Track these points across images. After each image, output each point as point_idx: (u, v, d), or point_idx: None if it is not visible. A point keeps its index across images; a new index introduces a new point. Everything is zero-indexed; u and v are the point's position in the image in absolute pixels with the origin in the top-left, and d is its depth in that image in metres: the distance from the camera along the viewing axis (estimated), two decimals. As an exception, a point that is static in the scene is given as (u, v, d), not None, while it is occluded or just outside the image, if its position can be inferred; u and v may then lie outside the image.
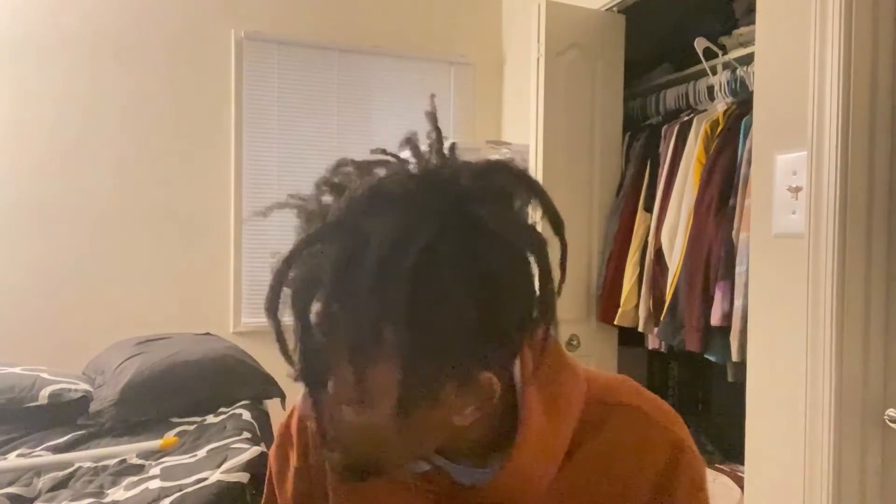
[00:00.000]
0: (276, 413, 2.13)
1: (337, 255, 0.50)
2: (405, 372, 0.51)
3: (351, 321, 0.50)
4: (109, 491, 1.44)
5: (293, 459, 0.75)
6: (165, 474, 1.47)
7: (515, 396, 0.63)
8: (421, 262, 0.48)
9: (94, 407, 1.91)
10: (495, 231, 0.52)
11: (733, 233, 1.68)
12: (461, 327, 0.51)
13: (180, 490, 1.36)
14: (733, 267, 1.66)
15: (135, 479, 1.49)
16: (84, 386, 1.98)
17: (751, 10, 1.67)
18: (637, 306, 2.05)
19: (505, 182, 0.55)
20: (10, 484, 1.47)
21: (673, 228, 1.92)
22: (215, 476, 1.43)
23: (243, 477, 1.45)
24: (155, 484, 1.42)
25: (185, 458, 1.59)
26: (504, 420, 0.62)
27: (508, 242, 0.53)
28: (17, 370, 1.98)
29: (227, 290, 2.72)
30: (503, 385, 0.58)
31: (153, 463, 1.60)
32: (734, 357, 1.63)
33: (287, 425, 0.77)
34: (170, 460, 1.59)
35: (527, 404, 0.62)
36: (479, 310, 0.51)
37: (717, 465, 1.98)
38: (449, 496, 0.65)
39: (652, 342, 2.07)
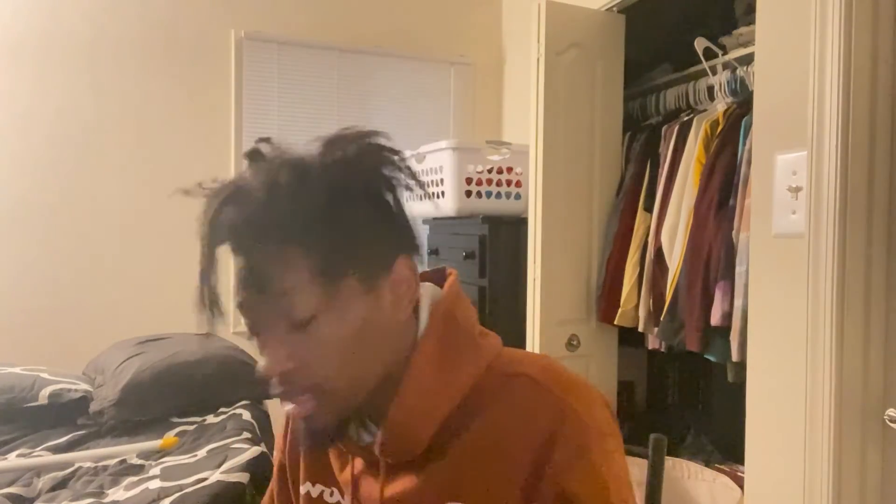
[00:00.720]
0: (276, 413, 2.12)
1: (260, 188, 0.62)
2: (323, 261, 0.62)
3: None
4: (109, 491, 1.44)
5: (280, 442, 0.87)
6: (165, 474, 1.47)
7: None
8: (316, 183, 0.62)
9: (94, 407, 1.91)
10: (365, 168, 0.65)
11: (733, 233, 1.68)
12: (356, 225, 0.63)
13: (180, 490, 1.36)
14: (733, 267, 1.66)
15: (135, 479, 1.49)
16: (84, 386, 1.98)
17: (751, 10, 1.68)
18: (637, 306, 2.05)
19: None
20: (10, 484, 1.47)
21: (673, 228, 1.92)
22: (215, 476, 1.43)
23: (243, 477, 1.45)
24: (155, 484, 1.42)
25: (185, 458, 1.59)
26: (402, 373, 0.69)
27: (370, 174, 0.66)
28: (17, 370, 1.98)
29: (226, 290, 2.72)
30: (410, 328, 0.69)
31: (153, 463, 1.60)
32: (734, 357, 1.63)
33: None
34: (170, 460, 1.60)
35: (416, 360, 0.68)
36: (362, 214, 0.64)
37: (717, 465, 1.98)
38: (375, 463, 0.72)
39: (652, 342, 2.07)
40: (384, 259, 0.67)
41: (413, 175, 0.67)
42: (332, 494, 0.78)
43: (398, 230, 0.68)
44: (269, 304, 0.62)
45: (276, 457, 0.89)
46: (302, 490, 0.81)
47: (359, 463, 0.75)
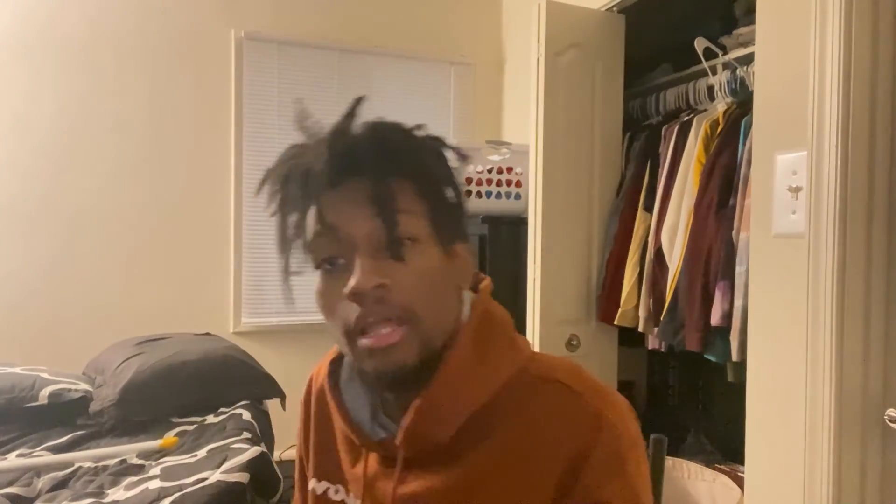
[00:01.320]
0: (276, 413, 2.13)
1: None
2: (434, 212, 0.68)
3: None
4: (109, 491, 1.44)
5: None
6: (165, 474, 1.47)
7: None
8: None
9: (94, 407, 1.91)
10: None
11: (733, 233, 1.68)
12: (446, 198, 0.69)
13: (180, 490, 1.36)
14: (733, 267, 1.66)
15: (135, 479, 1.49)
16: (84, 386, 1.98)
17: (751, 10, 1.67)
18: (637, 306, 2.05)
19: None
20: (10, 484, 1.47)
21: (673, 228, 1.92)
22: (215, 476, 1.43)
23: (243, 477, 1.45)
24: (155, 484, 1.42)
25: (185, 458, 1.59)
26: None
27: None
28: (17, 370, 1.98)
29: (227, 290, 2.72)
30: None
31: (153, 463, 1.60)
32: (734, 357, 1.63)
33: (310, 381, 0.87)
34: (170, 460, 1.60)
35: (454, 348, 0.69)
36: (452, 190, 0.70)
37: (717, 465, 1.98)
38: (391, 455, 0.72)
39: (652, 342, 2.07)
40: (461, 229, 0.72)
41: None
42: (336, 492, 0.78)
43: (460, 211, 0.73)
44: (374, 223, 0.64)
45: (297, 450, 0.89)
46: (309, 486, 0.81)
47: (373, 460, 0.74)
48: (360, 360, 0.67)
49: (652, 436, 1.19)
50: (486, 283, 0.77)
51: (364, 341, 0.65)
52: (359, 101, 0.70)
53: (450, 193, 0.70)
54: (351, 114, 0.70)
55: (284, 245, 0.68)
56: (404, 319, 0.65)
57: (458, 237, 0.71)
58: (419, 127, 0.70)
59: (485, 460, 0.67)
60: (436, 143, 0.71)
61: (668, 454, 2.00)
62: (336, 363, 0.79)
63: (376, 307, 0.64)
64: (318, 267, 0.68)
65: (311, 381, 0.86)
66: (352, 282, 0.63)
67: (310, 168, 0.66)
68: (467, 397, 0.68)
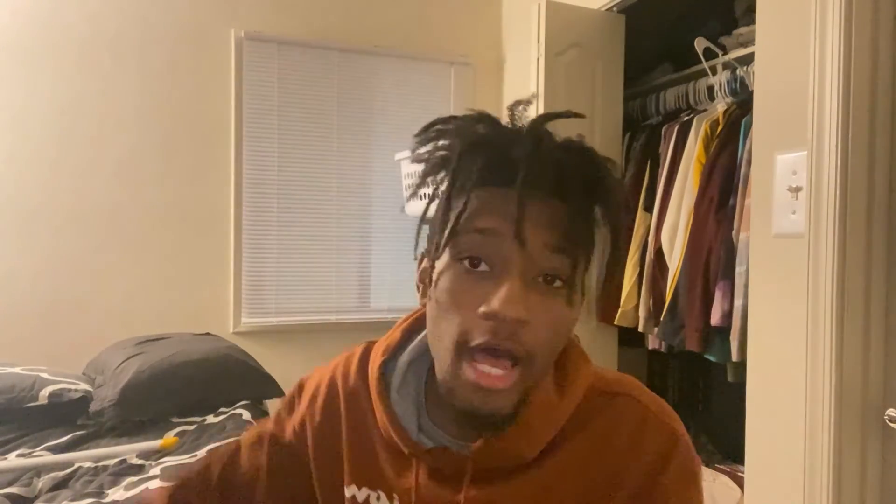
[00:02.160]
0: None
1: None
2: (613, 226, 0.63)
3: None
4: (109, 491, 1.44)
5: (291, 420, 0.81)
6: (166, 475, 1.47)
7: None
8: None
9: (94, 407, 1.91)
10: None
11: (733, 233, 1.68)
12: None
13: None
14: (733, 267, 1.66)
15: (135, 479, 1.49)
16: (84, 386, 1.98)
17: (751, 10, 1.67)
18: (637, 306, 2.05)
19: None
20: (10, 484, 1.47)
21: (673, 228, 1.92)
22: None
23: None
24: (155, 484, 1.42)
25: (186, 459, 1.59)
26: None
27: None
28: (17, 370, 1.98)
29: (227, 290, 2.72)
30: None
31: (153, 463, 1.60)
32: (734, 357, 1.63)
33: (301, 386, 0.83)
34: (170, 460, 1.60)
35: (545, 380, 0.65)
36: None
37: (717, 465, 1.98)
38: (444, 469, 0.68)
39: (652, 342, 2.07)
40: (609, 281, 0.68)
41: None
42: (378, 498, 0.73)
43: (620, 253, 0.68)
44: (551, 252, 0.59)
45: (270, 430, 0.82)
46: (347, 493, 0.75)
47: (423, 469, 0.70)
48: (457, 385, 0.61)
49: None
50: None
51: (471, 373, 0.60)
52: (564, 113, 0.65)
53: (621, 244, 0.65)
54: (552, 116, 0.64)
55: (444, 223, 0.61)
56: (522, 362, 0.60)
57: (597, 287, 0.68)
58: (611, 162, 0.63)
59: (554, 472, 0.66)
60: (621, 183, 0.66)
61: (668, 454, 2.00)
62: (385, 365, 0.73)
63: (505, 340, 0.58)
64: (454, 258, 0.61)
65: (333, 380, 0.79)
66: (496, 303, 0.57)
67: (508, 153, 0.59)
68: (543, 432, 0.65)
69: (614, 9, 2.16)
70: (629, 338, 2.21)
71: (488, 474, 0.66)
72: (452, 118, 0.64)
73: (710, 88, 1.98)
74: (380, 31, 2.96)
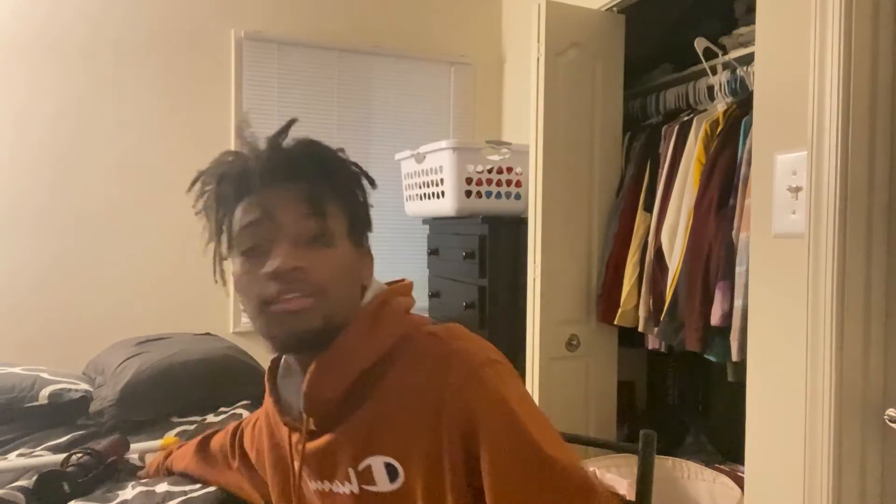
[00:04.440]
0: (276, 413, 2.12)
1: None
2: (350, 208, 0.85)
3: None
4: (119, 492, 1.43)
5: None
6: (171, 478, 1.47)
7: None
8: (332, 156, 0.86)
9: (94, 407, 1.91)
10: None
11: (733, 233, 1.68)
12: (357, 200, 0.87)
13: (185, 495, 1.36)
14: (733, 267, 1.66)
15: (137, 479, 1.49)
16: (84, 386, 1.98)
17: (751, 10, 1.67)
18: (637, 306, 2.05)
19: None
20: (11, 483, 1.46)
21: (673, 228, 1.92)
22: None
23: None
24: (162, 487, 1.41)
25: (185, 458, 1.59)
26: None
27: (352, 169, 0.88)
28: (17, 370, 1.98)
29: (226, 290, 2.72)
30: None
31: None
32: (734, 357, 1.63)
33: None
34: (170, 460, 1.59)
35: (356, 319, 0.84)
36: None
37: (717, 465, 1.98)
38: (300, 428, 0.87)
39: (652, 342, 2.07)
40: (366, 228, 0.89)
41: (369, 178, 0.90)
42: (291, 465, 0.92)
43: (369, 216, 0.89)
44: (301, 217, 0.79)
45: (232, 429, 1.17)
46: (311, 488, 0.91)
47: (294, 438, 0.88)
48: (272, 324, 0.79)
49: (642, 431, 1.19)
50: (398, 282, 0.92)
51: (277, 307, 0.77)
52: (291, 122, 0.84)
53: (361, 198, 0.87)
54: (285, 129, 0.84)
55: (217, 235, 0.84)
56: (314, 293, 0.78)
57: (366, 231, 0.89)
58: (341, 150, 0.87)
59: (375, 412, 0.80)
60: (351, 164, 0.87)
61: (669, 454, 2.00)
62: (273, 370, 0.94)
63: (293, 284, 0.77)
64: (242, 254, 0.81)
65: (240, 429, 1.14)
66: (275, 263, 0.77)
67: (246, 169, 0.80)
68: (355, 361, 0.81)
69: (614, 9, 2.16)
70: (629, 338, 2.21)
71: (328, 424, 0.83)
72: (209, 166, 0.86)
73: (710, 88, 1.98)
74: (380, 32, 2.96)
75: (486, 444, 0.74)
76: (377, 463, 0.80)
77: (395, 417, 0.79)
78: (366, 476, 0.81)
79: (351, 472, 0.82)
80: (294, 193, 0.79)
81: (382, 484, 0.80)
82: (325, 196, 0.80)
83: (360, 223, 0.86)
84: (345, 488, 0.83)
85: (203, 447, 1.27)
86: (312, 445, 0.85)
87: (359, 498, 0.82)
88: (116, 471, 1.48)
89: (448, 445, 0.75)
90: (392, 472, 0.79)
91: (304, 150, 0.82)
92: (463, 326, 0.86)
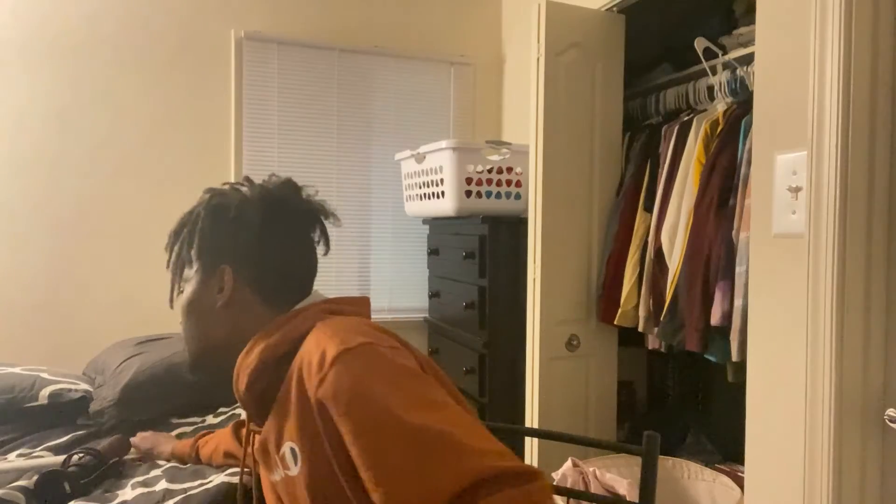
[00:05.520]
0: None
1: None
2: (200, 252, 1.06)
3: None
4: (110, 493, 1.44)
5: None
6: (169, 476, 1.47)
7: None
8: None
9: (94, 407, 1.91)
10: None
11: (733, 233, 1.68)
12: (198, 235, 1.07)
13: (185, 492, 1.36)
14: (733, 267, 1.66)
15: (138, 479, 1.49)
16: (84, 386, 1.98)
17: (751, 10, 1.68)
18: (637, 306, 2.05)
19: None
20: (12, 483, 1.46)
21: (673, 228, 1.92)
22: (220, 478, 1.43)
23: (247, 479, 1.44)
24: (161, 485, 1.41)
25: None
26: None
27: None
28: (17, 370, 1.98)
29: (227, 290, 2.72)
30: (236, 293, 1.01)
31: (156, 463, 1.59)
32: (734, 357, 1.63)
33: None
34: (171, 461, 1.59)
35: (259, 334, 0.96)
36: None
37: (717, 465, 1.98)
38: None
39: (652, 342, 2.07)
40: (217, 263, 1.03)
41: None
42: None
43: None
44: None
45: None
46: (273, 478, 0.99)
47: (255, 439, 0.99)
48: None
49: (645, 433, 1.19)
50: (325, 300, 1.00)
51: None
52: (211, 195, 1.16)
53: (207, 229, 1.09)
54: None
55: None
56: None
57: (216, 266, 1.03)
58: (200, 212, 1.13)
59: (281, 400, 0.89)
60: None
61: (669, 454, 2.00)
62: None
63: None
64: None
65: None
66: None
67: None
68: (256, 357, 0.91)
69: (614, 9, 2.16)
70: (629, 338, 2.21)
71: (260, 418, 0.95)
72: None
73: (710, 88, 1.98)
74: (380, 32, 2.96)
75: (342, 424, 0.78)
76: (287, 448, 0.88)
77: (290, 406, 0.86)
78: (284, 461, 0.89)
79: (277, 459, 0.91)
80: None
81: (292, 468, 0.88)
82: (182, 256, 1.08)
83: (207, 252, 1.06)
84: (276, 475, 0.93)
85: (237, 430, 1.42)
86: (258, 440, 0.96)
87: (285, 482, 0.91)
88: (118, 471, 1.48)
89: (324, 429, 0.81)
90: (294, 457, 0.87)
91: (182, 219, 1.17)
92: (362, 307, 1.01)
